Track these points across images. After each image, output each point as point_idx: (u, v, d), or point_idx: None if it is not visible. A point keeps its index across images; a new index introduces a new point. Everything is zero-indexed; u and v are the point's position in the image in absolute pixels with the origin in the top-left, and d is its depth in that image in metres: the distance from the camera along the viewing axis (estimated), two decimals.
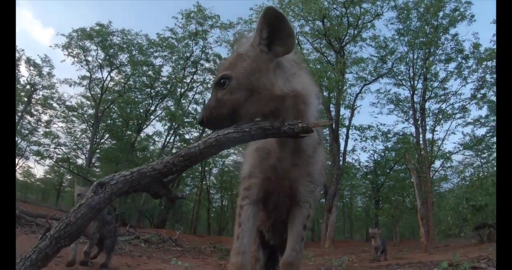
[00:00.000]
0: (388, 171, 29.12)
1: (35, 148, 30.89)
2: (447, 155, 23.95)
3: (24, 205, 13.87)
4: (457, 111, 24.05)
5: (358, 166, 30.50)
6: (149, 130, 31.35)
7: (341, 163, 20.57)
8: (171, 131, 27.30)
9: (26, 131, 31.28)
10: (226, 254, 5.62)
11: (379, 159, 30.48)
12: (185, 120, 26.88)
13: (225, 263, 5.45)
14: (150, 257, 6.07)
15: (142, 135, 29.37)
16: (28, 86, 29.37)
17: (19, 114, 29.87)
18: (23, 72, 28.55)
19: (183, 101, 27.53)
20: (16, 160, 33.84)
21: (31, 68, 28.84)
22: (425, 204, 18.08)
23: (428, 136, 23.50)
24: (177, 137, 28.85)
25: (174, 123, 26.32)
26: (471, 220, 9.70)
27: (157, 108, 27.82)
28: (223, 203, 37.50)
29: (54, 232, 1.25)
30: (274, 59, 1.52)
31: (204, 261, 6.36)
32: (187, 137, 29.22)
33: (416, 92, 23.76)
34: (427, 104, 23.92)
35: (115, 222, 9.06)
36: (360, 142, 29.17)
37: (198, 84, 27.75)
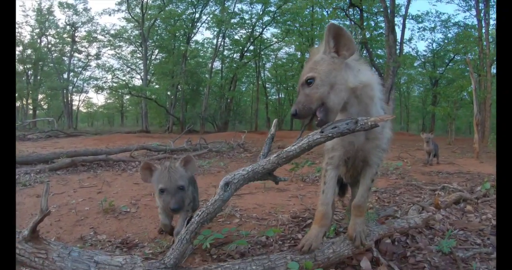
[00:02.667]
0: (447, 62, 27.28)
1: (94, 82, 33.46)
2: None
3: (100, 140, 14.58)
4: None
5: (415, 55, 28.63)
6: (198, 37, 31.53)
7: (398, 53, 19.46)
8: (221, 35, 27.36)
9: (80, 69, 33.46)
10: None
11: (438, 49, 28.29)
12: (232, 21, 26.58)
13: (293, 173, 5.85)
14: (227, 171, 6.32)
15: (191, 44, 29.66)
16: (68, 27, 30.24)
17: (68, 55, 31.51)
18: (59, 16, 29.65)
19: (228, 3, 26.68)
20: (77, 97, 36.76)
21: (66, 10, 29.29)
22: (482, 105, 17.09)
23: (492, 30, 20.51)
24: (227, 39, 28.99)
25: (222, 28, 26.22)
26: None
27: (202, 15, 27.44)
28: (279, 95, 38.17)
29: (200, 219, 1.88)
30: (343, 61, 1.94)
31: None
32: (236, 37, 29.29)
33: None
34: None
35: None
36: (418, 32, 27.06)
37: None
